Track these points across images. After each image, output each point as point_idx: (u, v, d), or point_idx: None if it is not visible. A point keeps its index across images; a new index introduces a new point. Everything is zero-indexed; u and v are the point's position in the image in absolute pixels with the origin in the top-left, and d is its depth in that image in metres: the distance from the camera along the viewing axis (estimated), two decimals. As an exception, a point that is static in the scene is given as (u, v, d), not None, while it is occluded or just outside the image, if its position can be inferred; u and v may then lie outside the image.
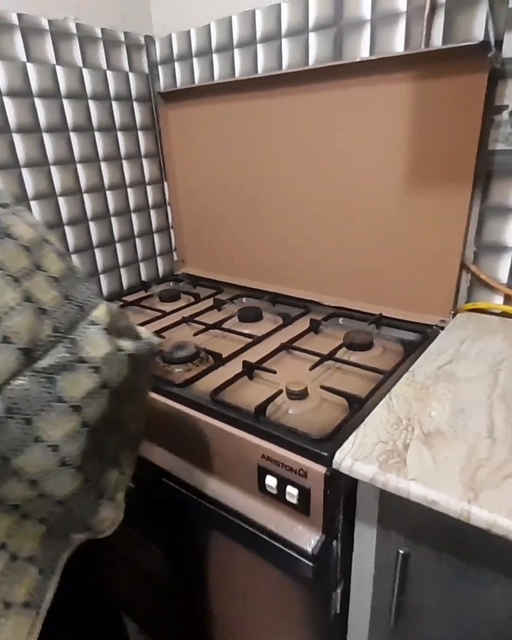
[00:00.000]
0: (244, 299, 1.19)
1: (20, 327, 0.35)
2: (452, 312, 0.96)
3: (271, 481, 0.65)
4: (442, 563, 0.57)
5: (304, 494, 0.62)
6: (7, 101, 0.96)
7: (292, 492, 0.63)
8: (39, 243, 0.40)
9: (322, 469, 0.60)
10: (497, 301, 0.93)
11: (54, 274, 0.40)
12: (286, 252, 1.17)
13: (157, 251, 1.38)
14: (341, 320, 1.05)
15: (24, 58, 0.97)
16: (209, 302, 1.15)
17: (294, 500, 0.64)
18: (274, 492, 0.66)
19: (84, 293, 0.42)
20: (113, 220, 1.23)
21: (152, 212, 1.33)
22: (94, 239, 1.19)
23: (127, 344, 0.43)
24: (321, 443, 0.61)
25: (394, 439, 0.59)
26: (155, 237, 1.36)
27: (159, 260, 1.39)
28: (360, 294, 1.07)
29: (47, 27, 0.99)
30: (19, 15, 0.94)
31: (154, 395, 0.78)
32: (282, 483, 0.64)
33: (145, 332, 0.50)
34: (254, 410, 0.68)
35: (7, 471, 0.38)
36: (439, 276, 0.95)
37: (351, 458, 0.56)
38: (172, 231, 1.40)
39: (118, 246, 1.26)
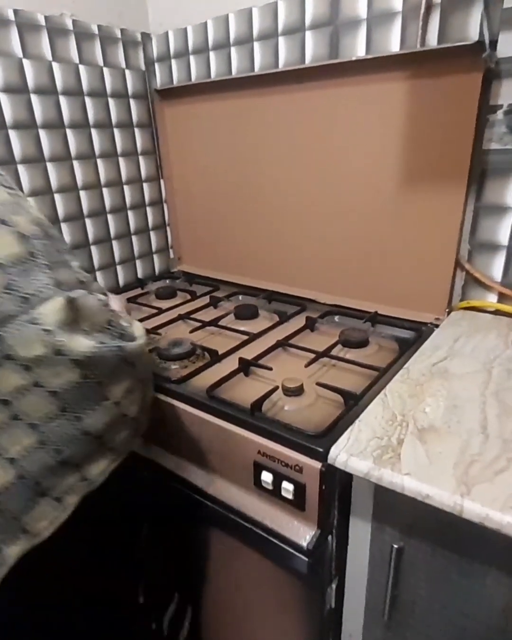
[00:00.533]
0: (240, 297, 1.19)
1: None
2: (447, 310, 0.96)
3: (266, 477, 0.66)
4: (436, 557, 0.58)
5: (300, 489, 0.63)
6: (2, 97, 0.96)
7: (287, 488, 0.64)
8: None
9: (317, 465, 0.60)
10: (491, 299, 0.94)
11: (1, 259, 0.36)
12: (282, 250, 1.17)
13: (154, 248, 1.38)
14: (336, 318, 1.05)
15: (20, 54, 0.97)
16: (205, 300, 1.15)
17: (290, 496, 0.64)
18: (270, 487, 0.66)
19: (35, 284, 0.37)
20: (109, 217, 1.23)
21: (149, 210, 1.33)
22: (91, 236, 1.19)
23: (81, 345, 0.38)
24: (316, 439, 0.62)
25: (388, 435, 0.60)
26: (152, 234, 1.36)
27: (155, 257, 1.39)
28: (356, 292, 1.08)
29: (43, 23, 0.99)
30: (15, 11, 0.94)
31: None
32: (278, 478, 0.65)
33: (137, 329, 0.46)
34: (249, 407, 0.69)
35: None
36: (434, 274, 0.96)
37: (346, 453, 0.57)
38: (168, 228, 1.40)
39: (114, 243, 1.26)
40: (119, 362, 0.41)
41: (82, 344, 0.38)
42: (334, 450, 0.58)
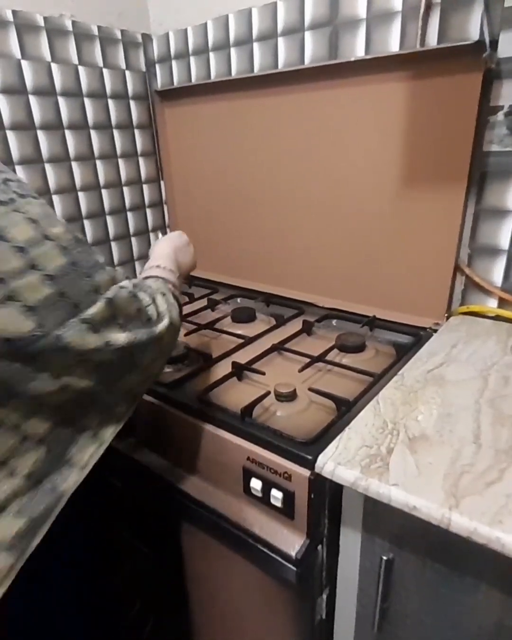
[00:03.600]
0: (238, 299, 1.18)
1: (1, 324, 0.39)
2: (446, 314, 0.95)
3: (255, 484, 0.65)
4: (426, 569, 0.56)
5: (289, 497, 0.62)
6: (1, 98, 0.95)
7: (276, 496, 0.63)
8: (37, 241, 0.41)
9: (306, 473, 0.59)
10: (491, 304, 0.92)
11: (50, 271, 0.41)
12: (280, 253, 1.16)
13: (153, 250, 1.37)
14: (334, 321, 1.04)
15: (18, 55, 0.96)
16: (203, 302, 1.14)
17: (279, 504, 0.63)
18: (259, 495, 0.65)
19: (83, 289, 0.44)
20: (108, 218, 1.23)
21: (149, 211, 1.33)
22: (89, 237, 1.19)
23: (120, 337, 0.47)
24: (305, 446, 0.60)
25: (378, 443, 0.58)
26: (151, 236, 1.36)
27: (155, 259, 1.39)
28: (354, 296, 1.06)
29: (42, 24, 0.99)
30: (14, 12, 0.94)
31: (142, 395, 0.78)
32: (267, 486, 0.64)
33: (161, 308, 0.54)
34: (240, 412, 0.68)
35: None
36: (433, 278, 0.94)
37: (333, 462, 0.56)
38: (168, 230, 1.39)
39: (113, 245, 1.25)
40: (149, 342, 0.50)
41: (121, 337, 0.47)
42: (321, 459, 0.57)
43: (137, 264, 1.33)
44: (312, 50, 0.96)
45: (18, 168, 1.01)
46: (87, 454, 0.50)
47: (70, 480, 0.48)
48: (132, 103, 1.20)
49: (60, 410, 0.47)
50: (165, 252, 0.73)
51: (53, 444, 0.47)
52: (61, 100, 1.06)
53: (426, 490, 0.50)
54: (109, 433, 0.52)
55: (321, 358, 0.84)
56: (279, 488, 0.62)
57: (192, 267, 0.79)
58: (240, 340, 0.93)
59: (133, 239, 1.30)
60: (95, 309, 0.44)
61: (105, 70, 1.12)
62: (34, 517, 0.46)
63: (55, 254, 0.42)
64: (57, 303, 0.41)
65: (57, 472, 0.48)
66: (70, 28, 1.04)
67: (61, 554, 0.76)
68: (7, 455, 0.44)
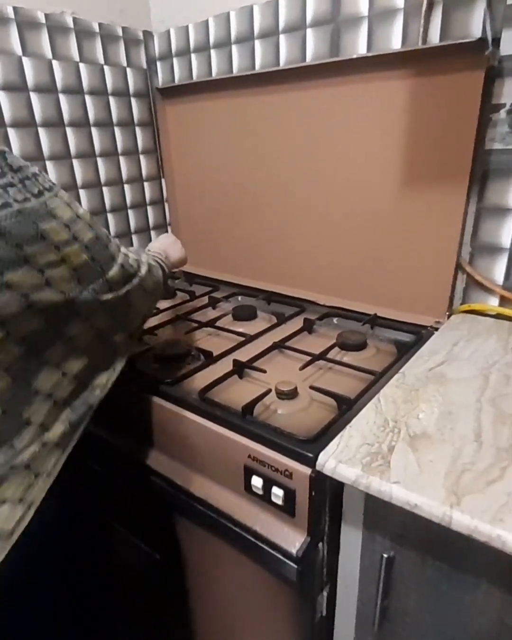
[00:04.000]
0: (239, 297, 1.18)
1: (57, 276, 0.51)
2: (448, 313, 0.94)
3: (256, 481, 0.65)
4: (426, 567, 0.56)
5: (290, 495, 0.62)
6: (2, 95, 0.95)
7: (277, 493, 0.63)
8: (74, 219, 0.53)
9: (307, 471, 0.59)
10: (493, 303, 0.92)
11: (86, 243, 0.54)
12: (282, 251, 1.16)
13: (154, 248, 1.37)
14: (335, 320, 1.04)
15: (19, 52, 0.96)
16: (204, 300, 1.14)
17: (280, 502, 0.63)
18: (260, 492, 0.65)
19: (104, 256, 0.57)
20: (109, 216, 1.23)
21: (150, 209, 1.33)
22: (90, 235, 1.19)
23: (124, 289, 0.60)
24: (306, 444, 0.60)
25: (379, 441, 0.58)
26: (153, 233, 1.35)
27: (156, 257, 1.39)
28: (355, 294, 1.06)
29: (43, 21, 0.99)
30: (15, 9, 0.94)
31: (143, 393, 0.78)
32: (268, 483, 0.64)
33: (142, 266, 0.66)
34: (241, 410, 0.68)
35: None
36: (435, 276, 0.94)
37: (334, 460, 0.56)
38: (169, 228, 1.39)
39: (114, 242, 1.25)
40: (138, 289, 0.63)
41: (124, 289, 0.60)
42: (322, 457, 0.57)
43: (138, 262, 1.33)
44: (314, 48, 0.96)
45: (19, 165, 1.01)
46: (104, 377, 0.62)
47: (95, 396, 0.61)
48: (133, 100, 1.20)
49: (88, 348, 0.59)
50: (155, 246, 0.86)
51: (82, 374, 0.59)
52: (62, 98, 1.05)
53: (427, 488, 0.50)
54: (119, 362, 0.65)
55: (322, 356, 0.84)
56: (280, 486, 0.62)
57: (182, 259, 0.90)
58: (242, 338, 0.93)
59: (134, 237, 1.30)
60: (112, 272, 0.58)
61: (106, 68, 1.12)
62: (73, 421, 0.58)
63: (86, 229, 0.54)
64: (90, 266, 0.54)
65: (88, 390, 0.60)
66: (71, 25, 1.03)
67: (60, 552, 0.76)
68: (54, 383, 0.56)
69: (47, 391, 0.54)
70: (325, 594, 0.70)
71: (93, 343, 0.59)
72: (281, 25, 0.98)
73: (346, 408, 0.68)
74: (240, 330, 0.97)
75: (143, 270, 0.66)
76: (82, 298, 0.54)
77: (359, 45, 0.90)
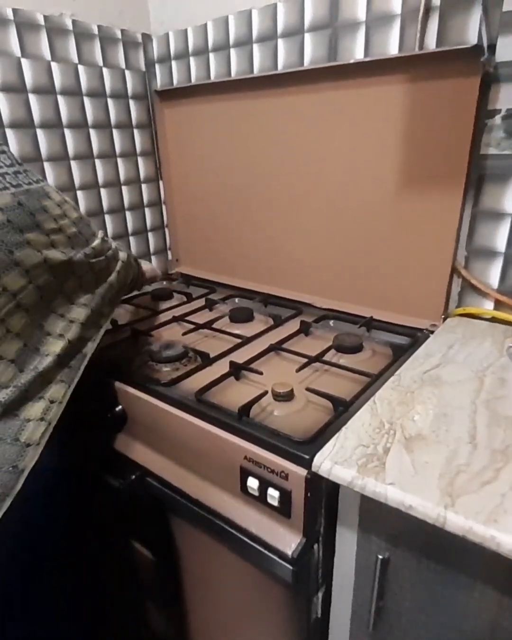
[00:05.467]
0: (236, 299, 1.18)
1: (58, 241, 0.64)
2: (443, 316, 0.95)
3: (252, 483, 0.65)
4: (421, 569, 0.57)
5: (285, 496, 0.62)
6: (0, 96, 0.95)
7: (273, 494, 0.63)
8: (63, 202, 0.68)
9: (302, 472, 0.59)
10: (488, 306, 0.93)
11: (73, 219, 0.68)
12: (279, 253, 1.17)
13: (152, 250, 1.38)
14: (331, 322, 1.04)
15: (18, 53, 0.97)
16: (201, 302, 1.15)
17: (275, 503, 0.63)
18: (256, 493, 0.65)
19: (88, 231, 0.71)
20: (107, 217, 1.23)
21: (147, 211, 1.33)
22: (87, 236, 1.19)
23: (103, 260, 0.72)
24: (302, 445, 0.61)
25: (375, 443, 0.59)
26: (150, 235, 1.36)
27: (153, 258, 1.39)
28: (352, 297, 1.07)
29: (42, 22, 0.99)
30: (14, 10, 0.94)
31: (140, 394, 0.78)
32: (264, 485, 0.64)
33: (116, 249, 0.78)
34: (237, 411, 0.68)
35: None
36: (431, 280, 0.95)
37: (330, 461, 0.56)
38: (166, 230, 1.40)
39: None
40: (117, 263, 0.77)
41: (107, 258, 0.74)
42: (318, 458, 0.57)
43: (135, 264, 1.33)
44: (312, 52, 0.96)
45: (17, 166, 1.01)
46: (93, 331, 0.72)
47: (88, 347, 0.70)
48: (131, 103, 1.20)
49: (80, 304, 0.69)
50: None
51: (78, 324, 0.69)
52: (61, 99, 1.06)
53: (422, 489, 0.51)
54: (103, 320, 0.75)
55: (318, 358, 0.84)
56: (276, 487, 0.63)
57: (152, 270, 1.02)
58: (238, 340, 0.94)
59: (131, 238, 1.30)
60: (95, 243, 0.71)
61: (105, 70, 1.13)
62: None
63: (72, 210, 0.69)
64: (79, 236, 0.68)
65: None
66: (70, 27, 1.04)
67: (56, 555, 0.76)
68: (62, 327, 0.66)
69: (57, 333, 0.66)
70: (320, 595, 0.70)
71: (81, 299, 0.70)
72: (280, 29, 0.99)
73: (342, 410, 0.68)
74: (237, 332, 0.98)
75: (121, 254, 0.79)
76: (77, 259, 0.66)
77: (356, 50, 0.91)
